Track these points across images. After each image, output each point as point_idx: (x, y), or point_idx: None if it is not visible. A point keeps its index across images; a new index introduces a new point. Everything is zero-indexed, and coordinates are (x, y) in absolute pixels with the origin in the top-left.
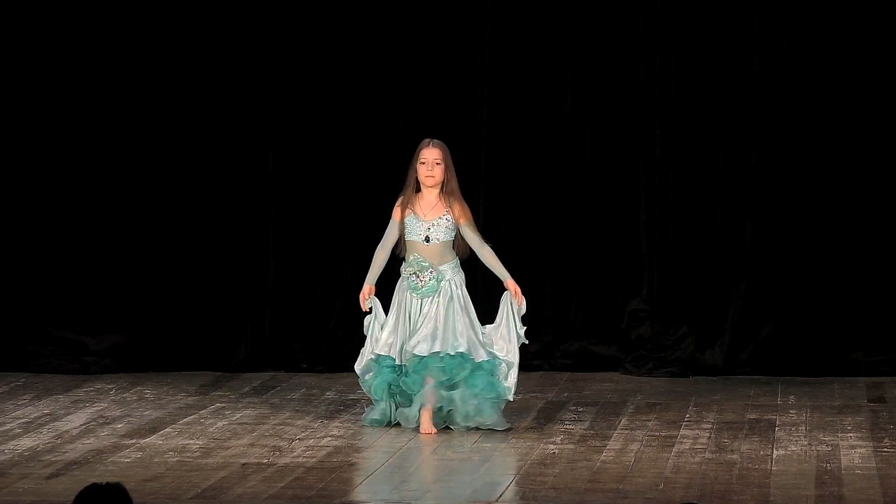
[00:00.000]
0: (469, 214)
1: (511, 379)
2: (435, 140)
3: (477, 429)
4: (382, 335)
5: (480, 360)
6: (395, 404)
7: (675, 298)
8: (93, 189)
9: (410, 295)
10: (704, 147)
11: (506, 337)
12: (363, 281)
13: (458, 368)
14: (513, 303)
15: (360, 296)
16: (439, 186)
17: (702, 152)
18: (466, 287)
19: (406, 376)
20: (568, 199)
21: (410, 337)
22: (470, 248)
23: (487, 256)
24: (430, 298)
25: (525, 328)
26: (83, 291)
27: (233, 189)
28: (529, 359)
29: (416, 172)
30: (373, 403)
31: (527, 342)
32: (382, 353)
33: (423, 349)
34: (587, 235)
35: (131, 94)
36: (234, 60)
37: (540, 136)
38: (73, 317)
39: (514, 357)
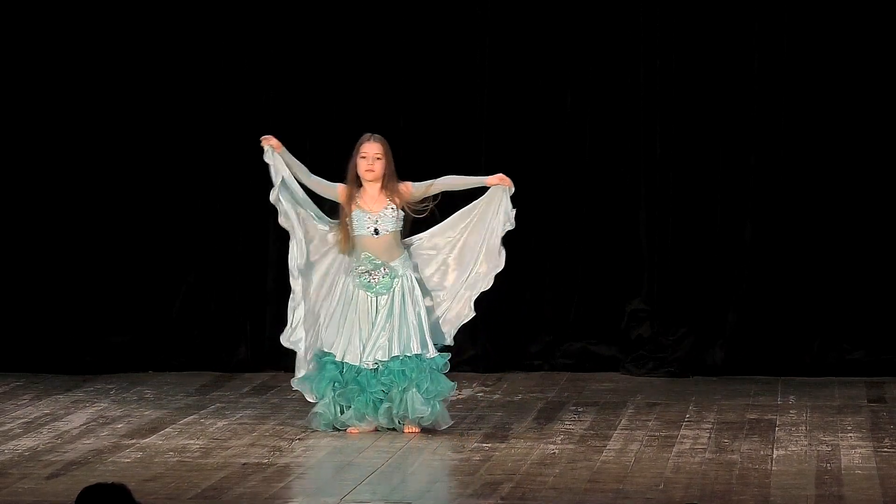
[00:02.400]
0: (408, 184)
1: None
2: (375, 135)
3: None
4: (327, 332)
5: (429, 357)
6: (338, 406)
7: (675, 298)
8: (93, 189)
9: (363, 294)
10: (704, 147)
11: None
12: None
13: (415, 370)
14: (505, 191)
15: (267, 139)
16: (380, 181)
17: (702, 152)
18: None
19: (367, 379)
20: (568, 199)
21: (368, 340)
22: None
23: (453, 181)
24: (385, 298)
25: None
26: (84, 291)
27: (233, 189)
28: (530, 359)
29: (356, 167)
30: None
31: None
32: (327, 351)
33: (383, 354)
34: (587, 235)
35: (131, 94)
36: (234, 60)
37: (540, 136)
38: (73, 317)
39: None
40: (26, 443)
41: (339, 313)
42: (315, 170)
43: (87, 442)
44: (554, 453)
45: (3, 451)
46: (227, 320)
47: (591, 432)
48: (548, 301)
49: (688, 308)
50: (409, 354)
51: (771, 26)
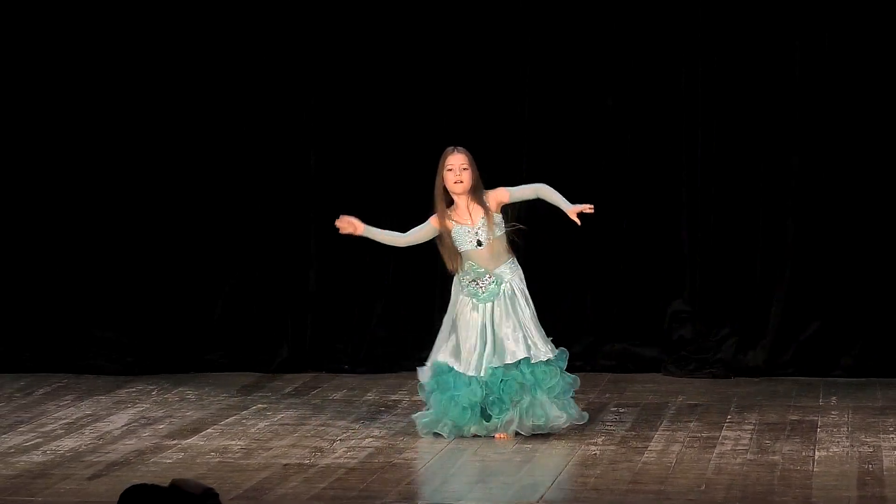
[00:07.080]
0: (502, 189)
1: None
2: (458, 147)
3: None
4: (447, 344)
5: (552, 357)
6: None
7: (717, 299)
8: (137, 191)
9: (470, 303)
10: (746, 148)
11: None
12: (405, 282)
13: (546, 375)
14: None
15: (344, 218)
16: (468, 192)
17: (743, 153)
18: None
19: (494, 385)
20: (610, 200)
21: (485, 348)
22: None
23: (548, 193)
24: (495, 303)
25: None
26: (126, 292)
27: (274, 190)
28: (571, 360)
29: (444, 180)
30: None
31: None
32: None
33: (508, 357)
34: (629, 236)
35: (176, 96)
36: (278, 62)
37: (582, 137)
38: (115, 317)
39: None
40: (68, 443)
41: (447, 327)
42: (356, 170)
43: (129, 443)
44: (595, 454)
45: (46, 451)
46: (268, 321)
47: (633, 433)
48: (589, 302)
49: (730, 309)
50: (543, 360)
51: (812, 28)
